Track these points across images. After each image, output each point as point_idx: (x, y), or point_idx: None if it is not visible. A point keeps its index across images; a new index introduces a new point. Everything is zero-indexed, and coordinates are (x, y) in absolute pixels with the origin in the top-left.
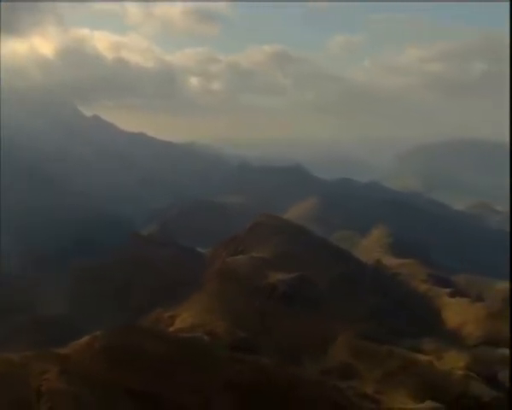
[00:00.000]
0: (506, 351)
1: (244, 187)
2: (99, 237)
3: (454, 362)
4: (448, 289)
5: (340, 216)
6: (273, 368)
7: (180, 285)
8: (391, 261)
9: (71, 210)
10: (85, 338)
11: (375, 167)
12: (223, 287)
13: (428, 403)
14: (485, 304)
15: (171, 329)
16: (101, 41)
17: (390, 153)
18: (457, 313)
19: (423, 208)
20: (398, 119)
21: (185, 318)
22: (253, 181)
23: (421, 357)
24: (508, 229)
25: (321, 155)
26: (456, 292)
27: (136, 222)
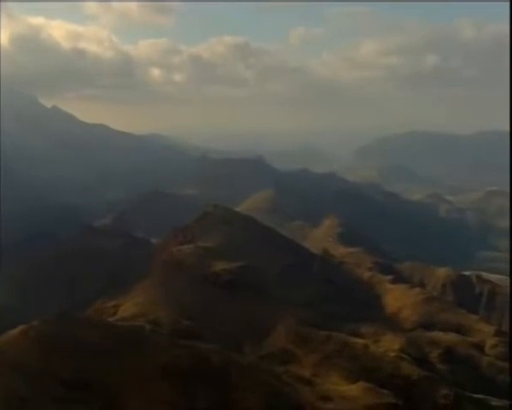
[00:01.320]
0: (439, 334)
1: (203, 178)
2: (54, 228)
3: (389, 345)
4: (390, 276)
5: (294, 207)
6: (210, 353)
7: (128, 276)
8: (339, 250)
9: (26, 202)
10: (19, 328)
11: (335, 159)
12: (168, 276)
13: (361, 384)
14: (422, 289)
15: (113, 318)
16: (58, 30)
17: (350, 145)
18: (396, 298)
19: (377, 199)
20: (358, 111)
21: (128, 307)
22: (213, 172)
23: (358, 341)
24: (456, 217)
25: (282, 146)
26: (398, 279)
27: (92, 213)
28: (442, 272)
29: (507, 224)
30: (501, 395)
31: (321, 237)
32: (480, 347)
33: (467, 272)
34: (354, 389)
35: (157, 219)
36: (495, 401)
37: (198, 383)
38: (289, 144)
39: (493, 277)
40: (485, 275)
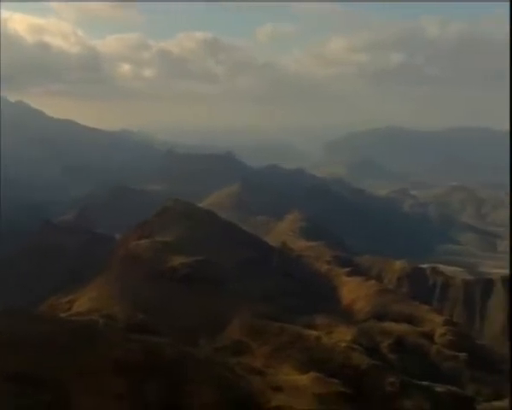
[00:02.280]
0: (391, 324)
1: (171, 174)
2: (17, 225)
3: (342, 336)
4: (346, 269)
5: (259, 202)
6: (163, 347)
7: (88, 272)
8: (300, 244)
9: None
10: None
11: (305, 155)
12: (124, 271)
13: (311, 374)
14: (376, 282)
15: (67, 313)
16: (20, 24)
17: (319, 141)
18: (352, 290)
19: (343, 195)
20: (328, 107)
21: (83, 302)
22: (181, 168)
23: (311, 332)
24: (419, 211)
25: (253, 142)
26: (355, 272)
27: (57, 210)
28: (398, 265)
29: (468, 218)
30: (446, 382)
31: (283, 232)
32: (429, 336)
33: (425, 265)
34: (305, 379)
35: (122, 215)
36: (439, 388)
37: (150, 376)
38: (260, 140)
39: (450, 269)
40: (442, 267)
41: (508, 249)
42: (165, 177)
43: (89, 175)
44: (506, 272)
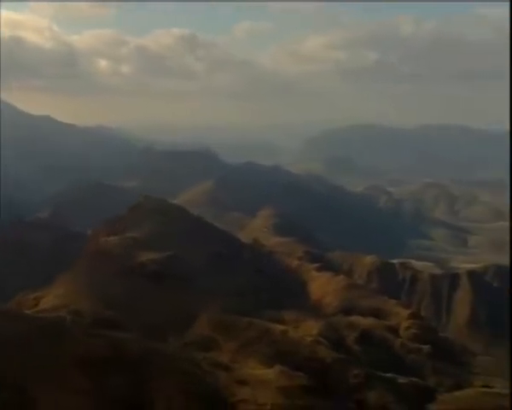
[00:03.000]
0: (358, 318)
1: (147, 171)
2: None
3: (309, 330)
4: (316, 265)
5: (234, 199)
6: (128, 343)
7: (59, 269)
8: (272, 240)
9: None
10: None
11: (283, 152)
12: (92, 267)
13: (277, 367)
14: (345, 277)
15: (33, 310)
16: None
17: (299, 138)
18: (321, 285)
19: (319, 191)
20: (306, 104)
21: (50, 299)
22: (157, 165)
23: (277, 327)
24: (393, 207)
25: (231, 139)
26: (325, 267)
27: (31, 208)
28: (368, 260)
29: (441, 214)
30: (409, 373)
31: (257, 228)
32: (394, 329)
33: (396, 260)
34: (270, 373)
35: (97, 212)
36: (402, 379)
37: (115, 372)
38: (239, 137)
39: (420, 264)
40: (413, 262)
41: (478, 244)
42: (141, 174)
43: (64, 172)
44: (475, 266)
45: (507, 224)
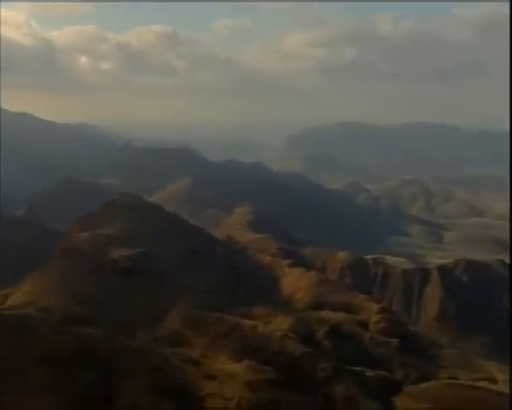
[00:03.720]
0: (328, 313)
1: (126, 168)
2: None
3: (279, 325)
4: (288, 261)
5: (212, 196)
6: (96, 339)
7: (32, 266)
8: (247, 237)
9: None
10: None
11: (266, 149)
12: (64, 264)
13: (246, 362)
14: (317, 272)
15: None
16: None
17: (281, 136)
18: (293, 281)
19: (299, 188)
20: (289, 102)
21: (18, 296)
22: (137, 162)
23: (247, 322)
24: (371, 204)
25: (214, 137)
26: (298, 263)
27: (9, 206)
28: (341, 255)
29: (418, 210)
30: (377, 367)
31: (233, 225)
32: (364, 323)
33: (372, 256)
34: (238, 368)
35: (74, 210)
36: (370, 372)
37: (82, 368)
38: (221, 135)
39: (395, 260)
40: (388, 258)
41: (452, 240)
42: (120, 171)
43: (44, 169)
44: (445, 261)
45: (481, 220)
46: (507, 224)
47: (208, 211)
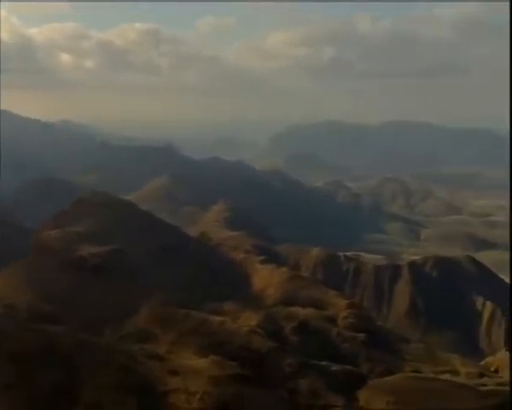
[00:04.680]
0: (297, 309)
1: (106, 166)
2: None
3: (248, 321)
4: (260, 258)
5: (190, 193)
6: (61, 336)
7: (2, 265)
8: (222, 234)
9: None
10: None
11: (250, 148)
12: (33, 262)
13: (211, 358)
14: (288, 269)
15: None
16: None
17: (264, 134)
18: (264, 277)
19: (278, 186)
20: (272, 100)
21: None
22: (117, 160)
23: (215, 318)
24: (351, 202)
25: (198, 135)
26: (267, 260)
27: None
28: (314, 252)
29: (397, 208)
30: (343, 361)
31: (209, 222)
32: (332, 319)
33: (347, 253)
34: (203, 363)
35: (51, 209)
36: (335, 367)
37: (47, 366)
38: (204, 133)
39: (370, 256)
40: (363, 255)
41: (429, 237)
42: (100, 169)
43: (24, 167)
44: (416, 258)
45: (458, 217)
46: (483, 221)
47: (185, 209)
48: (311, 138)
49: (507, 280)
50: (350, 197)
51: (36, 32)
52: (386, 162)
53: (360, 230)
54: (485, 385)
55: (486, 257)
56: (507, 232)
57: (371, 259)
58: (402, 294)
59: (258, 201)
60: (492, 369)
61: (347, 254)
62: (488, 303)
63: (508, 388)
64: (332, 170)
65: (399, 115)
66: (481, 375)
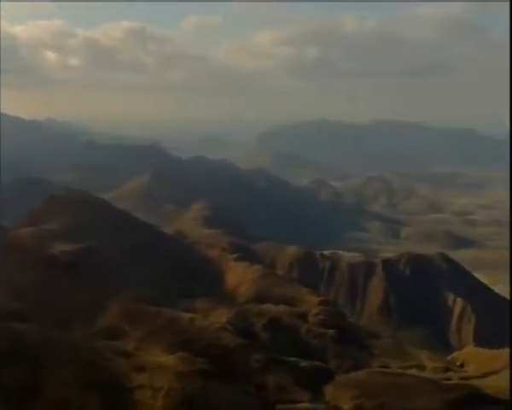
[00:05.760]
0: (269, 306)
1: (89, 164)
2: None
3: (219, 318)
4: (234, 255)
5: (170, 192)
6: (27, 333)
7: None
8: (200, 232)
9: None
10: None
11: (235, 147)
12: (5, 259)
13: (179, 354)
14: (262, 266)
15: None
16: None
17: (250, 133)
18: (237, 275)
19: (261, 185)
20: (260, 100)
21: None
22: (102, 159)
23: (185, 315)
24: (334, 200)
25: (185, 134)
26: (242, 257)
27: None
28: (290, 250)
29: (380, 207)
30: (312, 357)
31: (187, 221)
32: (304, 316)
33: (325, 251)
34: (170, 359)
35: (29, 207)
36: (303, 363)
37: (12, 363)
38: (191, 132)
39: (348, 254)
40: (341, 253)
41: (409, 236)
42: (84, 168)
43: (9, 166)
44: (390, 255)
45: (439, 216)
46: (463, 219)
47: (165, 207)
48: (298, 137)
49: (482, 278)
50: (333, 196)
51: (21, 30)
52: (372, 161)
53: (341, 228)
54: (449, 379)
55: (464, 255)
56: (485, 230)
57: (349, 257)
58: (375, 291)
59: (241, 199)
60: (458, 364)
61: (324, 252)
62: (459, 300)
63: (470, 382)
64: (318, 169)
65: (386, 115)
66: (447, 369)
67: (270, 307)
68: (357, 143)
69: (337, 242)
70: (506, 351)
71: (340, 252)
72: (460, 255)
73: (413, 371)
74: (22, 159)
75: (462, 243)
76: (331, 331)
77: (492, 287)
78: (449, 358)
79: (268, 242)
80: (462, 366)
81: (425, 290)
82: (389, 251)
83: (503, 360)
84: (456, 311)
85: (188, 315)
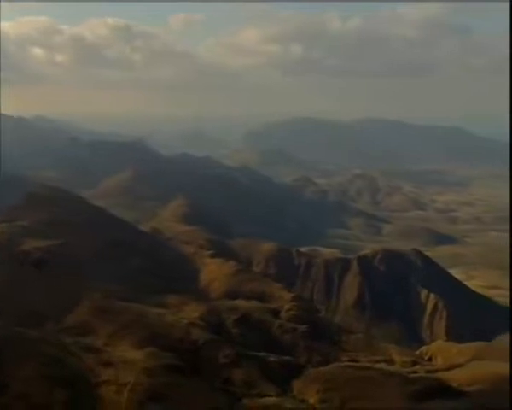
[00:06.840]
0: (241, 302)
1: (72, 161)
2: None
3: (190, 313)
4: (210, 252)
5: (151, 189)
6: None
7: None
8: (178, 229)
9: None
10: None
11: (222, 144)
12: None
13: (148, 350)
14: (235, 263)
15: None
16: None
17: (238, 131)
18: (211, 271)
19: (244, 181)
20: (246, 97)
21: None
22: (85, 156)
23: (156, 310)
24: (317, 198)
25: (171, 131)
26: (217, 254)
27: None
28: (266, 247)
29: (363, 204)
30: (283, 352)
31: (166, 217)
32: (276, 312)
33: (305, 248)
34: (138, 355)
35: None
36: (273, 358)
37: None
38: (179, 129)
39: (327, 251)
40: (321, 249)
41: (390, 232)
42: (68, 164)
43: None
44: (366, 252)
45: (421, 213)
46: (445, 216)
47: (144, 204)
48: (284, 135)
49: (459, 274)
50: (317, 193)
51: (7, 26)
52: (357, 159)
53: (324, 225)
54: (415, 372)
55: (444, 251)
56: (466, 227)
57: (327, 253)
58: (350, 287)
59: (224, 196)
60: (426, 357)
61: (303, 249)
62: (432, 295)
63: (436, 375)
64: (303, 166)
65: (371, 113)
66: (414, 363)
67: (241, 303)
68: (342, 141)
69: (319, 239)
70: (473, 345)
71: (320, 249)
72: (439, 252)
73: (381, 365)
74: (8, 157)
75: (443, 239)
76: (302, 327)
77: (467, 283)
78: (417, 352)
79: (246, 238)
80: (430, 359)
81: (399, 286)
82: (370, 248)
83: (470, 353)
84: (429, 307)
85: (157, 311)
